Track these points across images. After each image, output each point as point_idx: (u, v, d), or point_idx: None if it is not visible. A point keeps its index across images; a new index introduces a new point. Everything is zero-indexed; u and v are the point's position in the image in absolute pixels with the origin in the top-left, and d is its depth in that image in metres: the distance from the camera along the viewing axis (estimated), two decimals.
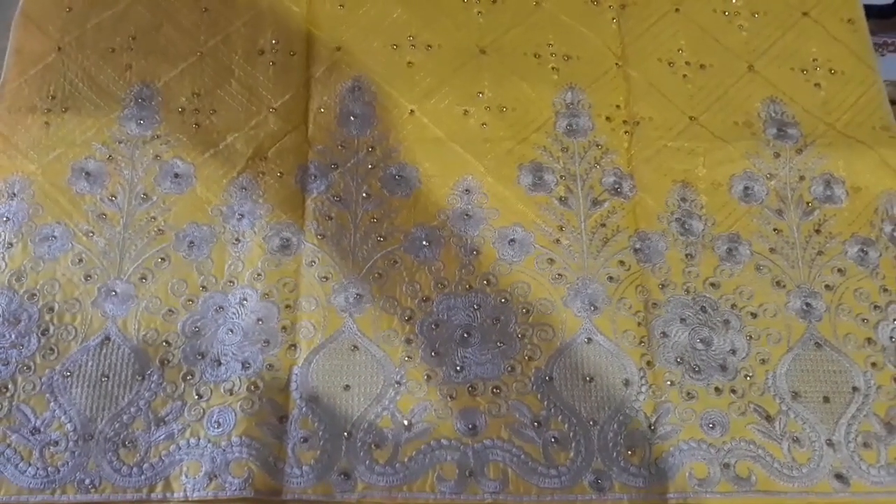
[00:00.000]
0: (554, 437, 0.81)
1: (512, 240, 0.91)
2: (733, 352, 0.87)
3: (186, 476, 0.78)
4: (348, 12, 1.02)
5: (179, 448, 0.79)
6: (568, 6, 1.05)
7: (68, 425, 0.80)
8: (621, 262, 0.90)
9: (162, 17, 1.01)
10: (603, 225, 0.92)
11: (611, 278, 0.89)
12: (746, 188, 0.96)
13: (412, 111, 0.97)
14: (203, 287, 0.88)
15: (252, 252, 0.89)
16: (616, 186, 0.94)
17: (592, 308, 0.88)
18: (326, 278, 0.88)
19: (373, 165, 0.95)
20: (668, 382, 0.84)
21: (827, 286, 0.91)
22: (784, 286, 0.91)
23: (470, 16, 1.03)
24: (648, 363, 0.85)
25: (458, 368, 0.84)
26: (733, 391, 0.85)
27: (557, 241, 0.91)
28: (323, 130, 0.96)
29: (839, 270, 0.92)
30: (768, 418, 0.83)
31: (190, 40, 1.00)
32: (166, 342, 0.85)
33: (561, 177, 0.94)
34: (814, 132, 0.99)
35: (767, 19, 1.06)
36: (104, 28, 1.01)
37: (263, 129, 0.96)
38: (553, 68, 1.01)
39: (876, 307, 0.90)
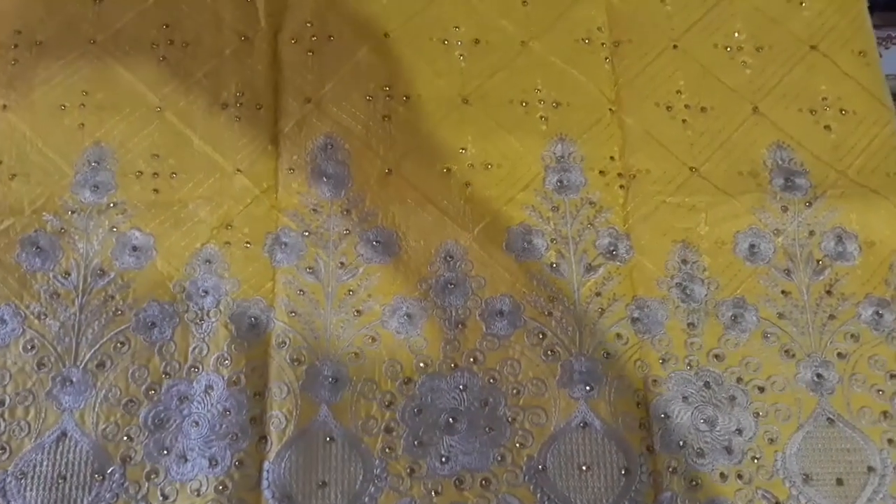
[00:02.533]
0: None
1: (500, 312, 0.87)
2: (739, 431, 0.83)
3: None
4: (319, 60, 0.97)
5: None
6: (557, 46, 1.00)
7: None
8: (618, 336, 0.86)
9: (116, 67, 0.96)
10: (598, 294, 0.88)
11: (607, 354, 0.85)
12: (752, 246, 0.91)
13: (390, 170, 0.93)
14: (166, 374, 0.84)
15: (217, 334, 0.85)
16: (611, 249, 0.90)
17: (588, 388, 0.84)
18: (298, 361, 0.84)
19: (348, 231, 0.90)
20: (670, 469, 0.81)
21: (839, 354, 0.87)
22: (793, 356, 0.87)
23: (451, 60, 0.98)
24: (649, 448, 0.82)
25: (443, 459, 0.81)
26: (739, 476, 0.81)
27: (549, 313, 0.87)
28: (293, 193, 0.91)
29: (852, 336, 0.88)
30: None
31: (147, 94, 0.95)
32: (127, 437, 0.81)
33: (552, 240, 0.90)
34: (824, 181, 0.95)
35: (773, 54, 1.01)
36: (54, 82, 0.95)
37: (228, 194, 0.91)
38: (541, 117, 0.96)
39: (892, 376, 0.86)
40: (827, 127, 0.98)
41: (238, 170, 0.92)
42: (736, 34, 1.02)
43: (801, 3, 1.04)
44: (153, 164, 0.92)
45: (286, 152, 0.93)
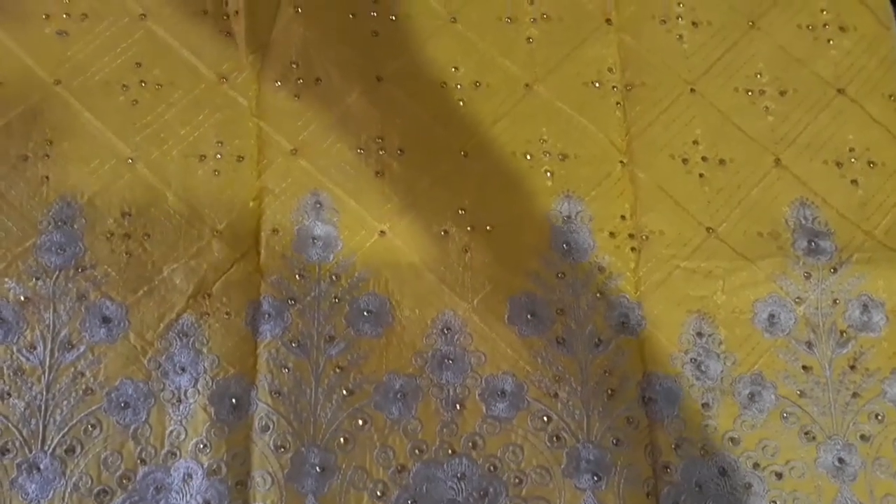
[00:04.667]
0: None
1: (501, 392, 0.82)
2: None
3: None
4: (305, 105, 0.91)
5: None
6: (564, 89, 0.94)
7: None
8: (629, 420, 0.82)
9: (83, 112, 0.90)
10: (607, 372, 0.83)
11: (617, 441, 0.81)
12: (772, 316, 0.87)
13: (383, 232, 0.87)
14: (141, 460, 0.79)
15: (196, 416, 0.80)
16: (622, 320, 0.85)
17: (595, 478, 0.80)
18: (283, 448, 0.79)
19: (338, 298, 0.85)
20: None
21: (863, 437, 0.83)
22: (814, 438, 0.83)
23: (450, 105, 0.92)
24: None
25: None
26: None
27: (555, 394, 0.82)
28: (277, 257, 0.86)
29: (877, 416, 0.84)
30: None
31: (117, 143, 0.89)
32: None
33: (558, 311, 0.85)
34: (850, 244, 0.90)
35: (797, 98, 0.95)
36: (14, 130, 0.89)
37: (206, 258, 0.85)
38: (547, 171, 0.90)
39: None
40: (854, 181, 0.93)
41: (217, 231, 0.86)
42: (758, 76, 0.96)
43: (829, 41, 0.97)
44: (124, 224, 0.86)
45: (270, 210, 0.87)
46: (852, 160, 0.93)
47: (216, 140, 0.89)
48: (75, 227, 0.86)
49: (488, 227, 0.88)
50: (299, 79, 0.92)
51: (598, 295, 0.86)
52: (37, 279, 0.84)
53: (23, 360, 0.82)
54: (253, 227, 0.87)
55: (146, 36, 0.93)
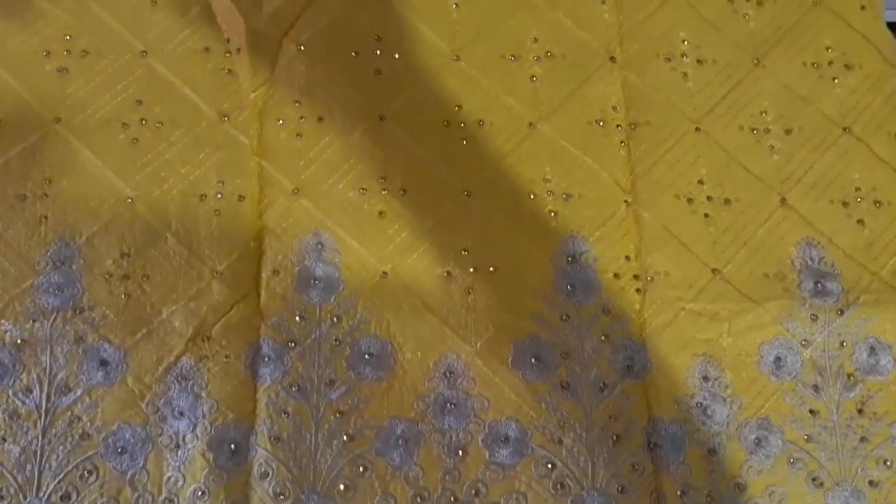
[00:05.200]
0: None
1: (505, 438, 0.81)
2: None
3: None
4: (307, 145, 0.90)
5: None
6: (568, 128, 0.93)
7: None
8: (634, 466, 0.81)
9: (83, 151, 0.89)
10: (612, 417, 0.82)
11: (622, 488, 0.80)
12: (778, 359, 0.86)
13: (385, 273, 0.86)
14: None
15: (194, 462, 0.79)
16: (627, 364, 0.84)
17: None
18: (282, 495, 0.78)
19: (338, 341, 0.84)
20: None
21: (871, 482, 0.82)
22: (822, 484, 0.82)
23: (453, 145, 0.91)
24: None
25: None
26: None
27: (559, 440, 0.81)
28: (278, 299, 0.85)
29: (885, 462, 0.83)
30: None
31: (116, 181, 0.88)
32: None
33: (563, 355, 0.84)
34: (857, 285, 0.89)
35: (803, 137, 0.95)
36: (13, 169, 0.88)
37: (206, 300, 0.84)
38: (551, 212, 0.89)
39: None
40: (860, 221, 0.92)
41: (217, 272, 0.85)
42: (763, 114, 0.95)
43: (834, 79, 0.97)
44: (123, 265, 0.85)
45: (270, 251, 0.87)
46: (858, 199, 0.93)
47: (217, 179, 0.89)
48: (73, 267, 0.85)
49: (492, 269, 0.87)
50: (302, 117, 0.91)
51: (602, 338, 0.85)
52: (34, 321, 0.83)
53: (18, 403, 0.81)
54: (253, 268, 0.86)
55: (147, 73, 0.92)
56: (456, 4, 0.97)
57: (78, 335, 0.83)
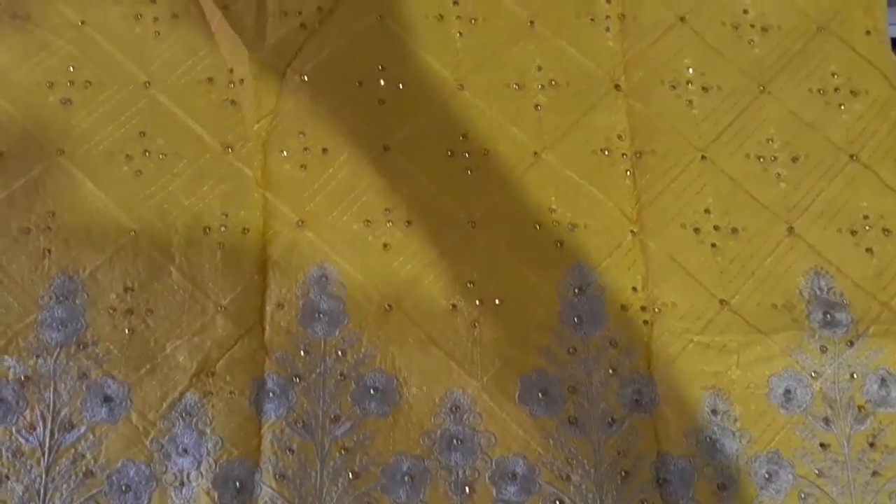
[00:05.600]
0: None
1: (512, 474, 0.81)
2: None
3: None
4: (312, 176, 0.90)
5: None
6: (573, 157, 0.93)
7: None
8: (643, 503, 0.79)
9: (86, 183, 0.89)
10: (620, 453, 0.82)
11: None
12: (788, 391, 0.85)
13: (390, 306, 0.86)
14: None
15: (199, 501, 0.79)
16: (636, 398, 0.84)
17: None
18: None
19: (343, 375, 0.83)
20: None
21: None
22: None
23: (458, 175, 0.91)
24: None
25: None
26: None
27: (567, 477, 0.80)
28: (282, 333, 0.85)
29: None
30: None
31: (120, 216, 0.88)
32: None
33: (570, 389, 0.83)
34: (866, 315, 0.88)
35: (810, 165, 0.94)
36: (17, 202, 0.88)
37: (210, 335, 0.84)
38: (557, 242, 0.89)
39: None
40: (869, 250, 0.91)
41: (221, 306, 0.85)
42: (769, 141, 0.95)
43: (840, 106, 0.97)
44: (127, 300, 0.85)
45: (275, 284, 0.86)
46: (867, 228, 0.92)
47: (221, 212, 0.88)
48: (77, 302, 0.85)
49: (497, 301, 0.86)
50: (306, 149, 0.91)
51: (610, 371, 0.85)
52: (37, 357, 0.83)
53: (22, 441, 0.80)
54: (258, 302, 0.86)
55: (150, 104, 0.92)
56: (459, 33, 0.96)
57: (81, 371, 0.83)
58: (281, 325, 0.85)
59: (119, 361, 0.83)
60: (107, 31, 0.95)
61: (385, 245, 0.88)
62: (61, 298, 0.85)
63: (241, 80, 0.93)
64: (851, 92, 0.98)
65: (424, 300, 0.86)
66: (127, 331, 0.84)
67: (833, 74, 0.98)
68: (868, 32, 1.00)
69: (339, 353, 0.84)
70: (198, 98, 0.92)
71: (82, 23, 0.95)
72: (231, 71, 0.93)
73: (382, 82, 0.94)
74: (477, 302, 0.86)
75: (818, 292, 0.89)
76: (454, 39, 0.96)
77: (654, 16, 0.98)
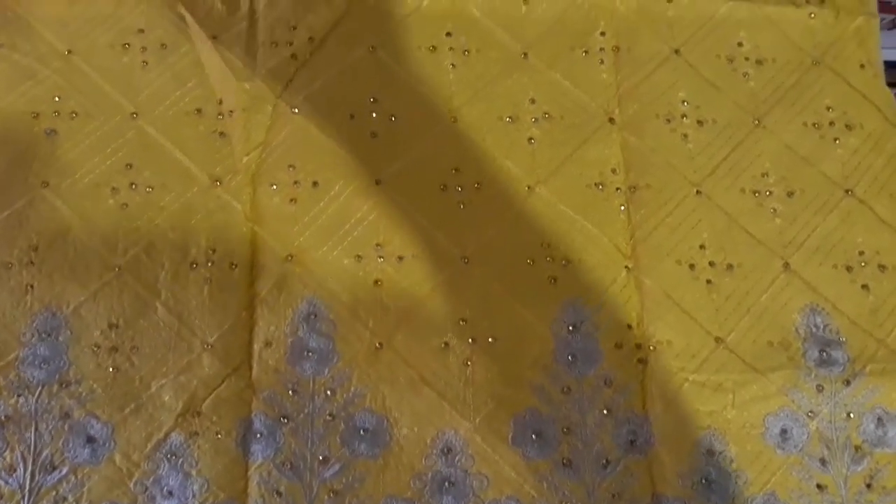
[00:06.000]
0: None
1: None
2: None
3: None
4: (302, 210, 0.88)
5: None
6: (567, 191, 0.92)
7: None
8: None
9: (70, 217, 0.87)
10: (615, 496, 0.81)
11: None
12: (784, 431, 0.84)
13: (380, 344, 0.84)
14: None
15: None
16: (630, 438, 0.82)
17: None
18: None
19: (332, 416, 0.82)
20: None
21: None
22: None
23: (450, 208, 0.90)
24: None
25: None
26: None
27: None
28: (270, 371, 0.83)
29: None
30: None
31: (104, 250, 0.86)
32: None
33: (564, 430, 0.82)
34: (863, 354, 0.87)
35: (805, 200, 0.93)
36: None
37: (196, 374, 0.82)
38: (550, 278, 0.88)
39: None
40: (865, 286, 0.91)
41: (208, 344, 0.83)
42: (764, 176, 0.94)
43: (835, 140, 0.96)
44: (111, 337, 0.83)
45: (263, 321, 0.84)
46: (862, 264, 0.91)
47: (208, 246, 0.87)
48: (60, 339, 0.83)
49: (490, 339, 0.85)
50: (296, 182, 0.89)
51: (605, 412, 0.83)
52: (18, 396, 0.81)
53: (1, 483, 0.78)
54: (245, 340, 0.84)
55: (137, 136, 0.91)
56: (452, 65, 0.95)
57: (64, 411, 0.81)
58: (269, 363, 0.83)
59: (103, 401, 0.81)
60: (94, 61, 0.93)
61: (376, 281, 0.86)
62: (44, 335, 0.83)
63: (231, 112, 0.91)
64: (846, 126, 0.97)
65: (416, 338, 0.84)
66: (111, 369, 0.82)
67: (828, 108, 0.98)
68: (862, 66, 1.00)
69: (328, 392, 0.83)
70: (186, 129, 0.91)
71: (69, 52, 0.93)
72: (220, 102, 0.92)
73: (374, 115, 0.93)
74: (470, 340, 0.85)
75: (814, 330, 0.88)
76: (447, 71, 0.95)
77: (649, 48, 0.98)
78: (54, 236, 0.86)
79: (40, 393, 0.81)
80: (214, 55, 0.92)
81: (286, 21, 0.94)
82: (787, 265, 0.91)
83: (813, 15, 1.00)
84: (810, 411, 0.85)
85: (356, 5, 0.95)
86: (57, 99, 0.92)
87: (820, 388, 0.86)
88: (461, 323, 0.85)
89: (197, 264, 0.86)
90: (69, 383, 0.81)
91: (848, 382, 0.86)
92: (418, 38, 0.96)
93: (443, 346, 0.84)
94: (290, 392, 0.82)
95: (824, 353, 0.87)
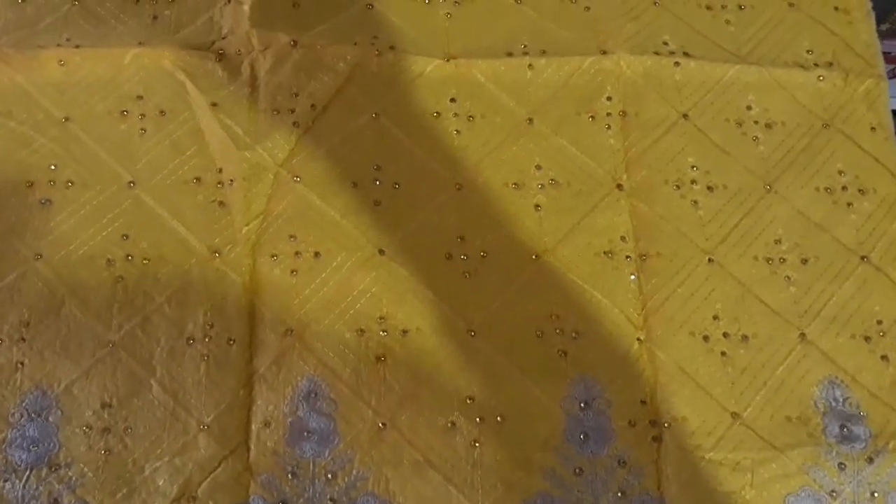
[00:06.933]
0: None
1: None
2: None
3: None
4: (303, 281, 0.85)
5: None
6: (575, 260, 0.89)
7: None
8: None
9: (64, 291, 0.84)
10: None
11: None
12: None
13: (383, 425, 0.81)
14: None
15: None
16: None
17: None
18: None
19: (333, 500, 0.78)
20: None
21: None
22: None
23: (455, 279, 0.88)
24: None
25: None
26: None
27: None
28: (268, 454, 0.79)
29: None
30: None
31: (99, 325, 0.83)
32: None
33: None
34: (885, 429, 0.84)
35: (820, 267, 0.91)
36: None
37: (192, 456, 0.79)
38: (560, 352, 0.85)
39: None
40: (884, 357, 0.88)
41: (204, 426, 0.80)
42: (777, 243, 0.92)
43: (849, 205, 0.94)
44: (104, 417, 0.80)
45: (261, 400, 0.81)
46: (881, 333, 0.89)
47: (205, 321, 0.84)
48: (50, 419, 0.79)
49: (499, 418, 0.81)
50: (297, 253, 0.87)
51: (619, 494, 0.80)
52: (4, 480, 0.77)
53: None
54: (243, 420, 0.80)
55: (134, 205, 0.88)
56: (457, 131, 0.93)
57: (53, 496, 0.77)
58: (267, 444, 0.80)
59: (94, 485, 0.77)
60: (91, 128, 0.91)
61: (378, 357, 0.83)
62: (33, 416, 0.79)
63: (231, 181, 0.89)
64: (859, 190, 0.95)
65: (421, 418, 0.81)
66: (103, 451, 0.78)
67: (840, 172, 0.96)
68: (873, 128, 0.98)
69: (329, 475, 0.79)
70: (184, 199, 0.89)
71: (66, 119, 0.91)
72: (220, 171, 0.90)
73: (378, 182, 0.90)
74: (477, 419, 0.81)
75: (833, 404, 0.85)
76: (452, 137, 0.93)
77: (656, 113, 0.96)
78: (46, 311, 0.83)
79: (28, 477, 0.77)
80: (214, 122, 0.90)
81: (288, 88, 0.92)
82: (803, 336, 0.88)
83: (822, 78, 0.99)
84: (832, 491, 0.81)
85: (359, 72, 0.93)
86: (53, 168, 0.89)
87: (842, 466, 0.82)
88: (468, 401, 0.82)
89: (194, 340, 0.83)
90: (59, 466, 0.78)
91: (871, 460, 0.83)
92: (422, 104, 0.94)
93: (449, 425, 0.81)
94: (290, 475, 0.79)
95: (845, 429, 0.84)
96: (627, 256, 0.90)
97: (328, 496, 0.78)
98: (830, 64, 1.00)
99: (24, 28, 0.94)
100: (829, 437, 0.84)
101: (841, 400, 0.85)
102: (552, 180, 0.92)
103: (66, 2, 0.97)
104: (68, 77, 0.93)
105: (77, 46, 0.93)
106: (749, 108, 0.97)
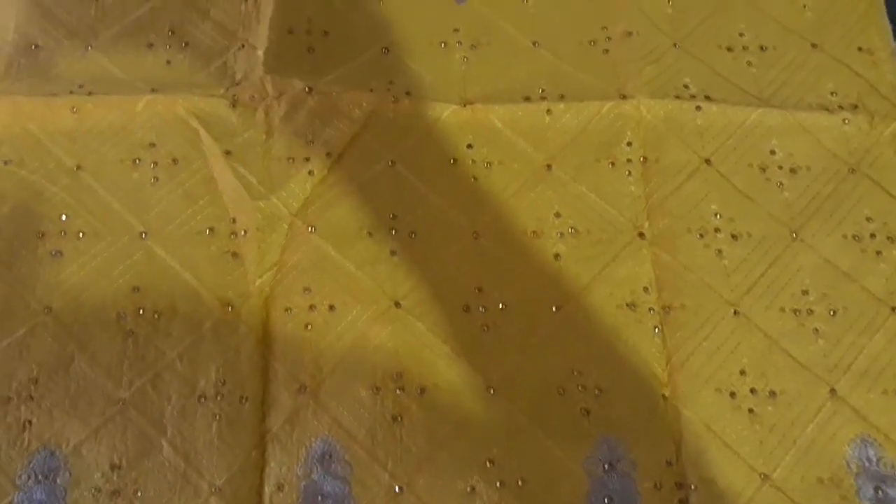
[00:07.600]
0: None
1: None
2: None
3: None
4: (317, 336, 0.83)
5: None
6: (596, 312, 0.86)
7: None
8: None
9: (73, 347, 0.81)
10: None
11: None
12: None
13: (400, 489, 0.78)
14: None
15: None
16: None
17: None
18: None
19: None
20: None
21: None
22: None
23: (473, 333, 0.85)
24: None
25: None
26: None
27: None
28: None
29: None
30: None
31: (108, 382, 0.80)
32: None
33: None
34: None
35: (850, 319, 0.87)
36: None
37: None
38: (583, 410, 0.81)
39: None
40: None
41: (216, 487, 0.77)
42: (805, 293, 0.88)
43: (878, 253, 0.90)
44: (113, 480, 0.77)
45: (274, 462, 0.78)
46: None
47: (218, 378, 0.81)
48: (58, 482, 0.77)
49: (520, 482, 0.78)
50: (312, 306, 0.84)
51: None
52: None
53: None
54: (255, 482, 0.77)
55: (145, 257, 0.86)
56: (474, 178, 0.91)
57: None
58: None
59: None
60: (103, 177, 0.89)
61: (394, 417, 0.80)
62: (41, 478, 0.77)
63: (244, 231, 0.86)
64: (888, 238, 0.91)
65: (440, 481, 0.78)
66: None
67: (868, 219, 0.92)
68: None
69: None
70: (197, 250, 0.86)
71: (78, 167, 0.89)
72: (233, 221, 0.87)
73: (394, 231, 0.88)
74: (497, 483, 0.78)
75: (867, 464, 0.81)
76: (469, 184, 0.91)
77: (678, 158, 0.93)
78: (56, 367, 0.81)
79: None
80: (228, 171, 0.88)
81: (303, 135, 0.90)
82: (833, 391, 0.84)
83: (847, 121, 0.96)
84: None
85: (375, 119, 0.91)
86: (64, 218, 0.87)
87: None
88: (488, 464, 0.78)
89: (205, 398, 0.80)
90: None
91: None
92: (439, 150, 0.91)
93: (469, 490, 0.78)
94: None
95: (880, 491, 0.80)
96: (651, 309, 0.86)
97: None
98: (855, 106, 0.97)
99: (36, 76, 0.93)
100: (864, 500, 0.80)
101: (875, 460, 0.82)
102: (572, 228, 0.89)
103: (78, 47, 0.95)
104: (80, 124, 0.91)
105: (90, 93, 0.91)
106: (773, 152, 0.94)
